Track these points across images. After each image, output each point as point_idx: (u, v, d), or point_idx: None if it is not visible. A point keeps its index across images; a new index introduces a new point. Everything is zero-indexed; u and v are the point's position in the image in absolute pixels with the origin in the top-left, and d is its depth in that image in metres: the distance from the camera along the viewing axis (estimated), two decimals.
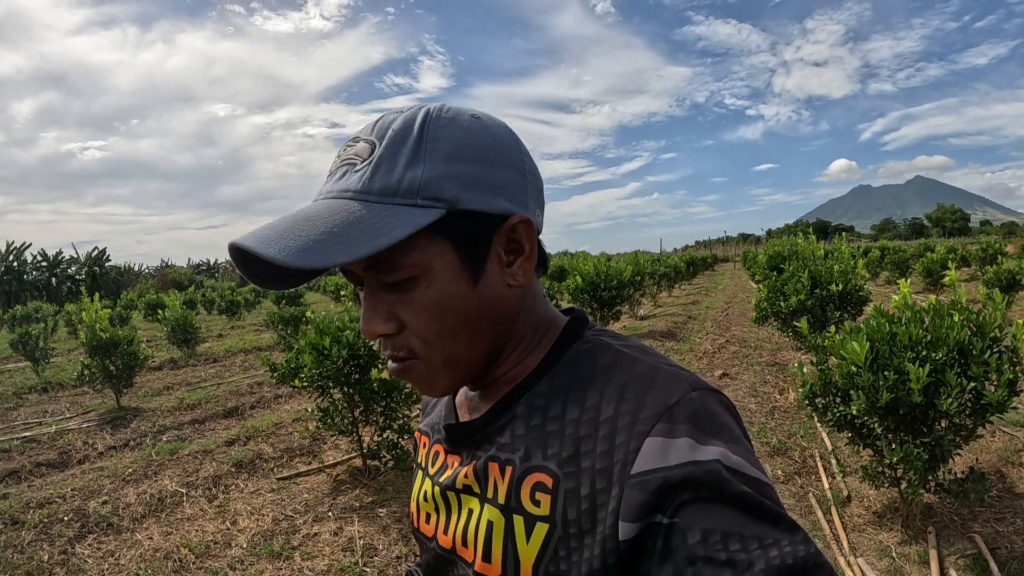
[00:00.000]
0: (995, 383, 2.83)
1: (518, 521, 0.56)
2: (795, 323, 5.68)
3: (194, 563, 3.39)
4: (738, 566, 0.44)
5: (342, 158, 0.57)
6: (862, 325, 3.31)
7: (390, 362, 0.60)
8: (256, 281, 0.58)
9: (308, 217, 0.52)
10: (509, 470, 0.58)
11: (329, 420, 4.40)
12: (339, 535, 3.64)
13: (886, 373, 2.94)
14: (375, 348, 4.27)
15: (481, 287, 0.56)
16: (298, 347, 4.31)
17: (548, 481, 0.55)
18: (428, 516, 0.68)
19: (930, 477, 3.10)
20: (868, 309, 3.58)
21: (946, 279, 3.37)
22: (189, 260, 54.55)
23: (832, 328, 3.52)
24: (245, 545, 3.56)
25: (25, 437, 6.01)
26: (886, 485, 3.27)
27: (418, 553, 0.71)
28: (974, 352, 2.88)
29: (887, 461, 3.13)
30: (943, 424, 3.05)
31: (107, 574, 3.32)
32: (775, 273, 7.80)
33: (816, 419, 3.50)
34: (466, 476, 0.61)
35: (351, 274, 0.59)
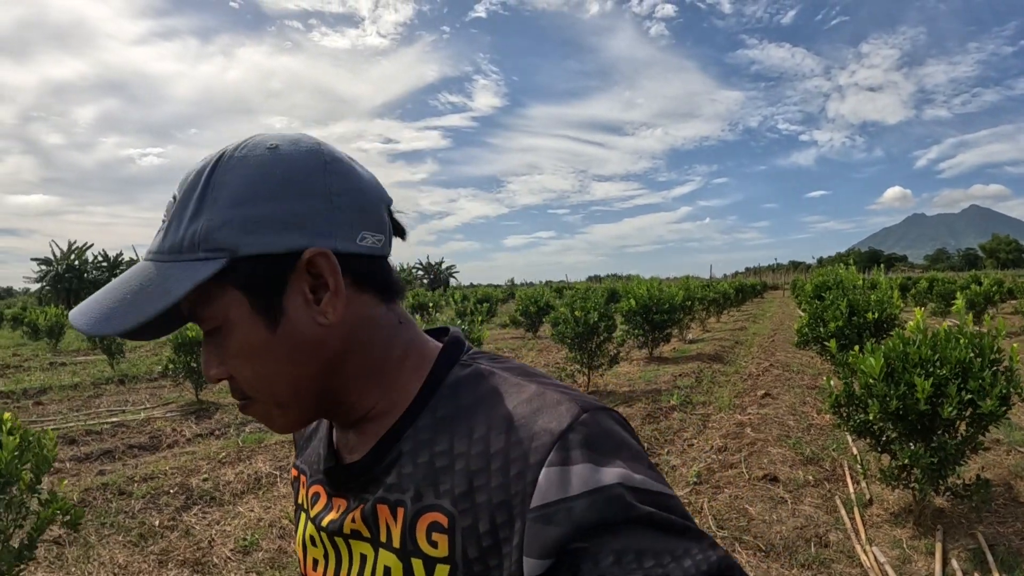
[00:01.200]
0: (990, 396, 3.31)
1: (417, 564, 0.54)
2: (824, 342, 6.13)
3: (293, 533, 4.04)
4: None
5: (164, 216, 0.57)
6: (881, 345, 3.82)
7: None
8: (126, 336, 0.56)
9: (115, 285, 0.54)
10: (401, 511, 0.56)
11: None
12: None
13: (897, 385, 3.45)
14: None
15: (284, 330, 0.54)
16: None
17: (444, 520, 0.53)
18: (316, 562, 0.65)
19: (940, 482, 3.58)
20: (893, 333, 4.06)
21: (953, 308, 3.85)
22: None
23: (856, 348, 4.03)
24: None
25: (113, 422, 6.75)
26: (901, 487, 3.75)
27: None
28: (974, 370, 3.37)
29: (900, 463, 3.61)
30: (948, 432, 3.52)
31: (216, 537, 3.95)
32: (817, 300, 8.20)
33: (841, 427, 3.99)
34: (354, 521, 0.59)
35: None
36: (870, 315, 6.61)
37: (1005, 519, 3.85)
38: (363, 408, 0.60)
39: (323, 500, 0.64)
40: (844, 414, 3.93)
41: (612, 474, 0.47)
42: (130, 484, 4.77)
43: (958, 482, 3.66)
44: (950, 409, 3.31)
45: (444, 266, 68.57)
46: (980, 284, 15.29)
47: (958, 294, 4.07)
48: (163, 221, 0.56)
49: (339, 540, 0.61)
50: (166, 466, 5.24)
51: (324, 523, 0.62)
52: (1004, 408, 3.32)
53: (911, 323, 3.84)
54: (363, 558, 0.58)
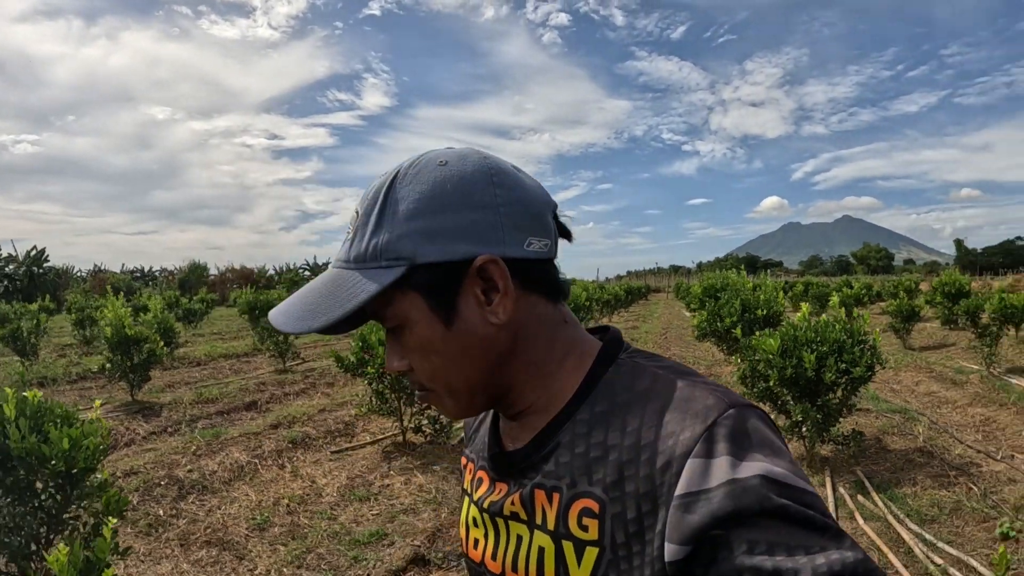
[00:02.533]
0: (860, 365, 4.43)
1: (568, 546, 0.58)
2: (732, 330, 7.31)
3: (299, 508, 4.48)
4: (784, 574, 0.45)
5: (348, 228, 0.64)
6: (777, 331, 4.88)
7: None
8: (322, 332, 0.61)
9: (308, 289, 0.63)
10: (556, 497, 0.60)
11: (379, 402, 5.60)
12: (409, 484, 4.86)
13: (790, 359, 4.50)
14: None
15: (457, 328, 0.60)
16: (368, 343, 5.51)
17: (595, 507, 0.57)
18: (476, 542, 0.70)
19: (825, 434, 4.66)
20: (784, 323, 5.30)
21: (830, 304, 5.01)
22: (123, 266, 52.46)
23: (757, 333, 5.09)
24: (335, 495, 4.70)
25: None
26: (795, 439, 4.82)
27: None
28: (847, 347, 4.48)
29: (794, 419, 4.67)
30: (830, 393, 4.62)
31: (226, 519, 4.27)
32: (712, 300, 9.46)
33: (747, 395, 5.03)
34: (513, 503, 0.63)
35: None
36: (759, 312, 7.87)
37: (877, 461, 5.05)
38: (526, 402, 0.64)
39: (486, 484, 0.69)
40: (749, 384, 4.97)
41: (751, 467, 0.50)
42: (115, 479, 4.89)
43: (839, 434, 4.78)
44: (830, 375, 4.39)
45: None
46: (851, 287, 17.72)
47: (833, 294, 5.26)
48: (347, 233, 0.63)
49: (499, 521, 0.65)
50: (138, 462, 5.39)
51: (486, 504, 0.67)
52: (870, 374, 4.49)
53: (799, 314, 4.95)
54: (519, 538, 0.63)
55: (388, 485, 4.88)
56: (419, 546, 3.76)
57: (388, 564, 3.55)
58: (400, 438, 5.88)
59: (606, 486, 0.56)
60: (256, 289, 16.99)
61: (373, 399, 5.70)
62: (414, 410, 5.71)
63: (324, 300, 0.60)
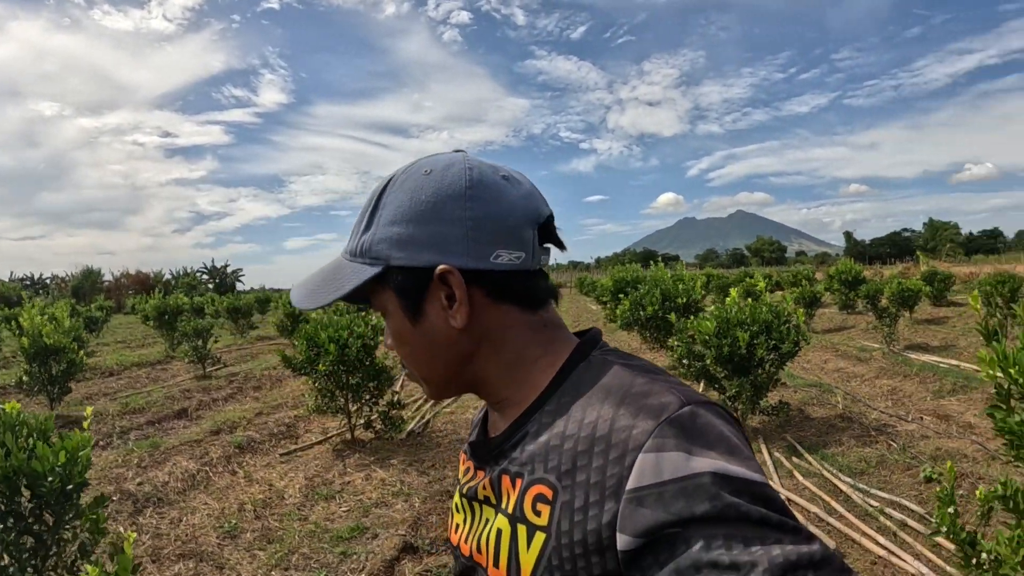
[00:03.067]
0: (787, 341, 4.95)
1: (521, 529, 0.61)
2: (664, 316, 7.83)
3: (265, 512, 4.40)
4: (742, 568, 0.46)
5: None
6: (712, 314, 5.34)
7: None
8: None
9: (319, 272, 0.72)
10: (519, 482, 0.63)
11: (327, 401, 5.59)
12: (370, 479, 4.91)
13: (726, 339, 4.96)
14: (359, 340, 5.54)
15: (423, 327, 0.66)
16: (319, 342, 5.47)
17: (548, 493, 0.59)
18: (457, 526, 0.74)
19: (756, 405, 5.16)
20: (708, 310, 5.73)
21: (758, 287, 5.54)
22: (12, 274, 47.56)
23: (695, 315, 5.54)
24: (298, 495, 4.67)
25: None
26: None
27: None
28: (775, 325, 4.99)
29: (728, 394, 5.14)
30: (761, 369, 5.12)
31: (192, 530, 4.14)
32: (633, 290, 10.01)
33: (685, 375, 5.46)
34: (484, 487, 0.68)
35: None
36: (680, 300, 8.43)
37: (803, 428, 5.66)
38: (500, 396, 0.69)
39: (471, 472, 0.73)
40: (686, 364, 5.41)
41: (702, 464, 0.51)
42: None
43: (768, 406, 5.30)
44: (761, 352, 4.89)
45: (230, 269, 64.40)
46: (752, 278, 19.04)
47: (757, 280, 5.80)
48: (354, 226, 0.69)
49: (475, 505, 0.70)
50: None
51: (465, 490, 0.72)
52: (796, 349, 5.05)
53: (728, 299, 5.43)
54: (486, 521, 0.67)
55: (349, 482, 4.91)
56: (405, 535, 3.86)
57: (381, 555, 3.63)
58: (349, 436, 5.89)
59: (560, 474, 0.58)
60: (163, 295, 16.04)
61: (319, 398, 5.68)
62: (360, 406, 5.74)
63: (324, 285, 0.68)
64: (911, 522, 3.64)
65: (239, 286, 62.37)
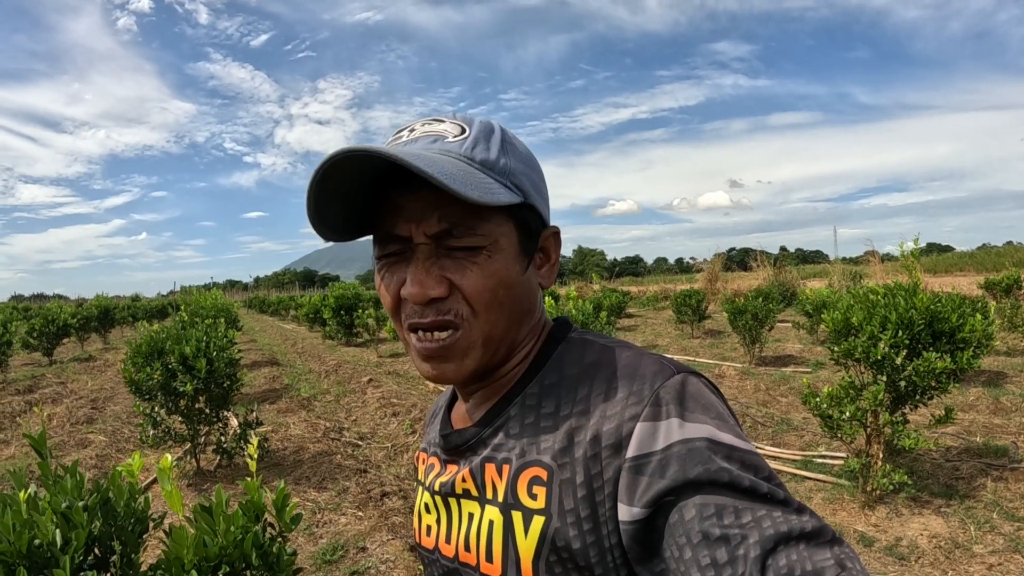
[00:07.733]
0: None
1: (516, 517, 0.58)
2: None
3: None
4: (731, 540, 0.46)
5: (419, 131, 0.63)
6: None
7: (424, 342, 0.62)
8: (320, 225, 0.60)
9: (432, 159, 0.56)
10: (507, 468, 0.61)
11: (165, 431, 4.98)
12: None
13: None
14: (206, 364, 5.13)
15: (527, 276, 0.64)
16: (168, 362, 4.88)
17: (543, 474, 0.57)
18: (429, 528, 0.70)
19: None
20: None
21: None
22: None
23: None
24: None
25: None
26: None
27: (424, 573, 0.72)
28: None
29: None
30: None
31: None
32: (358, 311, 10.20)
33: None
34: (464, 480, 0.65)
35: (395, 242, 0.61)
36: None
37: None
38: (503, 370, 0.67)
39: (437, 467, 0.71)
40: None
41: (697, 429, 0.52)
42: None
43: None
44: None
45: None
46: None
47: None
48: (429, 133, 0.62)
49: (452, 501, 0.67)
50: None
51: (436, 487, 0.69)
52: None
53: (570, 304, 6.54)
54: (471, 516, 0.64)
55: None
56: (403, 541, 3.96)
57: (380, 555, 3.68)
58: (194, 467, 5.35)
59: (555, 453, 0.58)
60: None
61: (163, 427, 5.04)
62: (208, 431, 5.26)
63: (471, 179, 0.57)
64: None
65: None
